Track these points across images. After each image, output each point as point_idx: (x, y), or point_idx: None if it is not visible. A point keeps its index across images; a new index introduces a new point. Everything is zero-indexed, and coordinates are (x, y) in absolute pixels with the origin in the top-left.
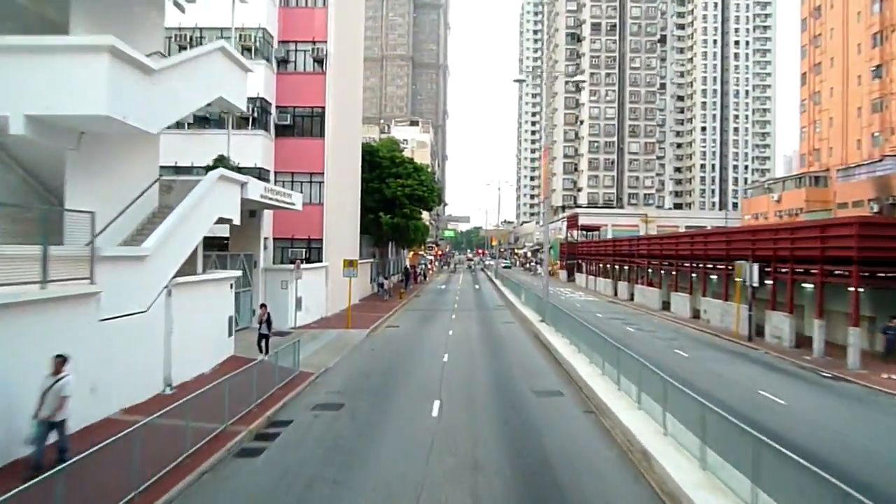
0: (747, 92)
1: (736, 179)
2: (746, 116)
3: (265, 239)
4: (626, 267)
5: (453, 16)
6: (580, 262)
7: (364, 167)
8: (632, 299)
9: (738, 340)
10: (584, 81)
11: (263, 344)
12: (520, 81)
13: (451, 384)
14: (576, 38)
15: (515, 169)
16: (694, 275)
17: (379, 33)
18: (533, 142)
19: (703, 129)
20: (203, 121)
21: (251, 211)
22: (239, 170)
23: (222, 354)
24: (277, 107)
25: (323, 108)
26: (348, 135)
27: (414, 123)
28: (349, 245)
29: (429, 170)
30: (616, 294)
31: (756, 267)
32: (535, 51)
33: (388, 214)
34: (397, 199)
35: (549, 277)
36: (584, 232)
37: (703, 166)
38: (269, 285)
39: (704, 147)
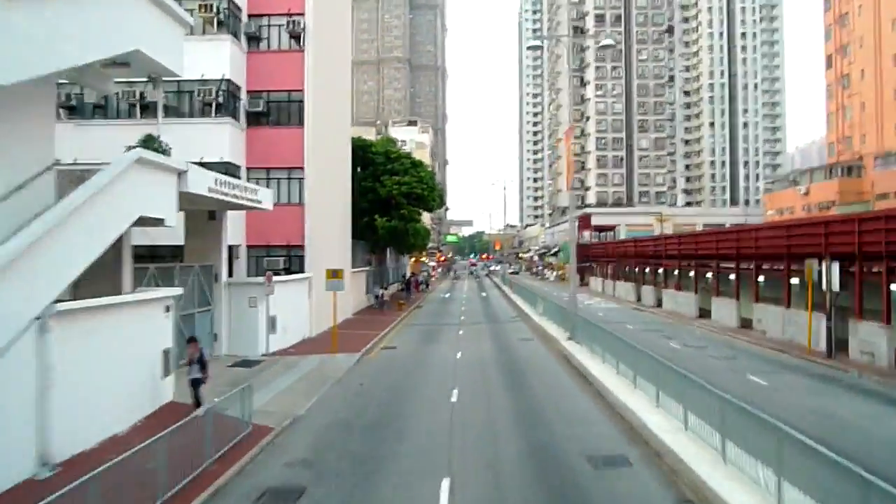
0: (756, 85)
1: (747, 176)
2: (756, 110)
3: (235, 247)
4: (650, 269)
5: (450, 17)
6: (593, 264)
7: (356, 164)
8: (659, 305)
9: (813, 358)
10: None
11: (196, 392)
12: (535, 48)
13: (464, 445)
14: (579, 31)
15: (518, 171)
16: (735, 277)
17: (375, 35)
18: (535, 143)
19: (712, 124)
20: (158, 110)
21: (210, 212)
22: (204, 166)
23: (153, 403)
24: (249, 92)
25: (301, 91)
26: (334, 125)
27: (412, 123)
28: (339, 252)
29: (428, 168)
30: (639, 299)
31: (836, 266)
32: (535, 49)
33: (383, 217)
34: (393, 198)
35: (569, 284)
36: (597, 233)
37: (712, 163)
38: (234, 303)
39: (713, 143)
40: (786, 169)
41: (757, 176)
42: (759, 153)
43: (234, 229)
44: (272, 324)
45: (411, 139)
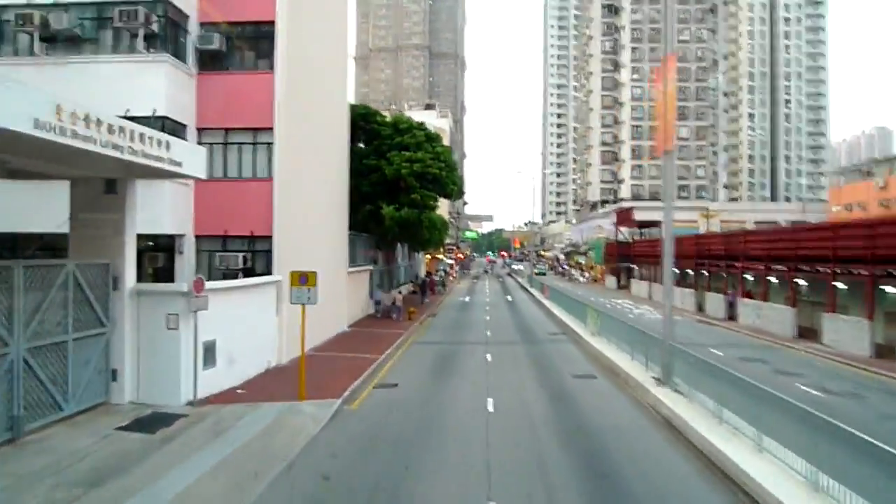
0: (799, 74)
1: (788, 171)
2: (799, 101)
3: (177, 238)
4: (715, 273)
5: (469, 6)
6: (635, 266)
7: (356, 137)
8: (732, 319)
9: None
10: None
11: None
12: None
13: None
14: (613, 9)
15: (540, 166)
16: (870, 286)
17: (393, 22)
18: (559, 136)
19: (751, 115)
20: (70, 44)
21: (108, 182)
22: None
23: None
24: (202, 24)
25: (272, 22)
26: (323, 76)
27: (430, 107)
28: (327, 247)
29: (446, 145)
30: (702, 309)
31: None
32: (560, 38)
33: (391, 204)
34: (403, 179)
35: (605, 286)
36: (640, 230)
37: (750, 157)
38: (146, 323)
39: (752, 135)
40: (832, 164)
41: (799, 171)
42: (801, 147)
43: (177, 212)
44: (209, 353)
45: (429, 124)
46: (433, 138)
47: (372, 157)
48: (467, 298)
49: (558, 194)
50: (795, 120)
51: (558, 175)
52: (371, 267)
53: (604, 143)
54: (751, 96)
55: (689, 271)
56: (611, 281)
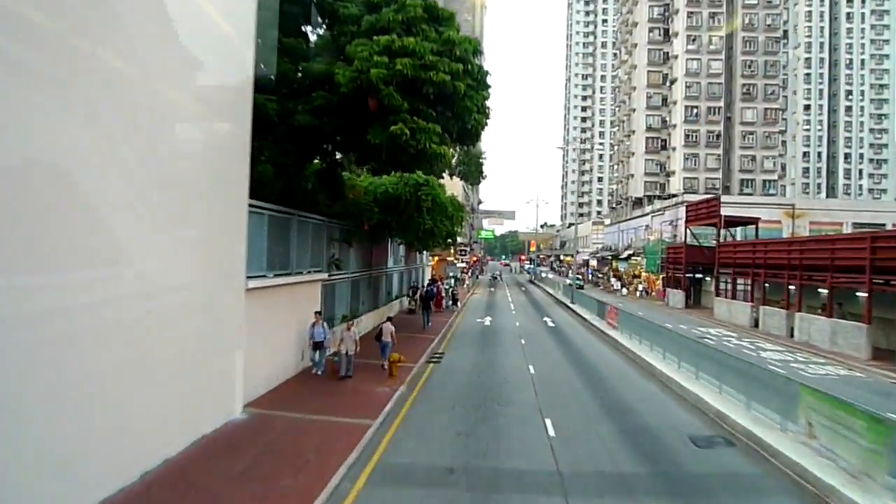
0: (862, 62)
1: (848, 171)
2: (862, 92)
3: None
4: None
5: None
6: (720, 276)
7: (289, 23)
8: None
9: None
10: None
11: None
12: None
13: None
14: None
15: (561, 163)
16: None
17: None
18: (583, 130)
19: (807, 107)
20: None
21: None
22: None
23: None
24: None
25: None
26: None
27: None
28: (177, 242)
29: (467, 36)
30: (873, 356)
31: None
32: (586, 23)
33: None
34: (373, 91)
35: (659, 302)
36: (727, 229)
37: (805, 154)
38: None
39: (808, 130)
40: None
41: (860, 172)
42: (863, 143)
43: None
44: None
45: None
46: (444, 18)
47: (320, 59)
48: (488, 321)
49: (581, 194)
50: (858, 114)
51: (582, 173)
52: (322, 276)
53: (650, 129)
54: (807, 85)
55: (790, 286)
56: (674, 297)
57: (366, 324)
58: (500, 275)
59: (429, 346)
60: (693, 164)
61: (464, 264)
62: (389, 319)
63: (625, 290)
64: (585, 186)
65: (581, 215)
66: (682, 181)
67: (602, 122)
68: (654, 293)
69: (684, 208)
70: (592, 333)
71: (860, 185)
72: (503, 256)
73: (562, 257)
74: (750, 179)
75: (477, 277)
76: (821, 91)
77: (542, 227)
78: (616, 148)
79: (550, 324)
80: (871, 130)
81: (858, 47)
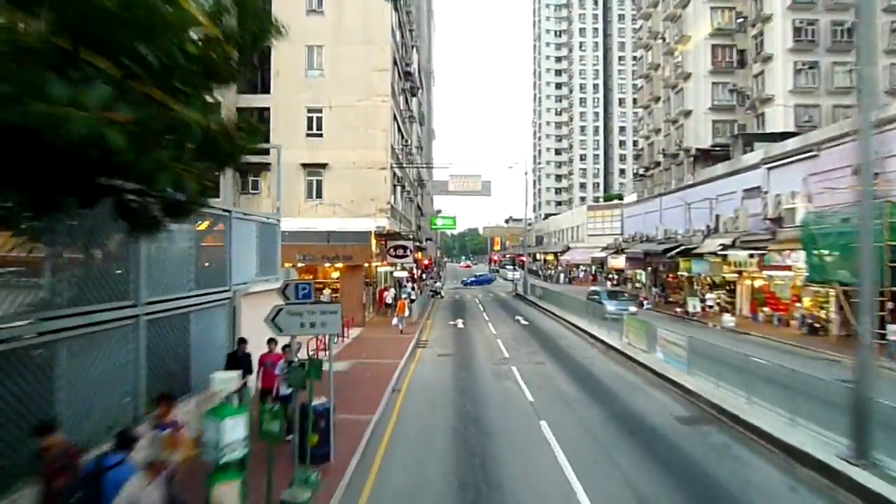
0: None
1: None
2: None
3: None
4: None
5: None
6: None
7: None
8: None
9: None
10: None
11: None
12: None
13: None
14: None
15: (532, 143)
16: None
17: None
18: (558, 112)
19: None
20: None
21: None
22: None
23: None
24: None
25: None
26: None
27: None
28: None
29: None
30: None
31: None
32: None
33: None
34: None
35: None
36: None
37: None
38: None
39: None
40: None
41: None
42: None
43: None
44: None
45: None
46: None
47: None
48: None
49: (559, 178)
50: None
51: (558, 152)
52: None
53: (718, 32)
54: None
55: None
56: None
57: None
58: (466, 283)
59: None
60: (810, 80)
61: (405, 272)
62: None
63: (696, 308)
64: (563, 168)
65: (559, 203)
66: (789, 114)
67: (583, 87)
68: (829, 326)
69: None
70: None
71: None
72: (463, 258)
73: (542, 255)
74: None
75: (434, 294)
76: None
77: (506, 222)
78: (644, 84)
79: None
80: None
81: None
